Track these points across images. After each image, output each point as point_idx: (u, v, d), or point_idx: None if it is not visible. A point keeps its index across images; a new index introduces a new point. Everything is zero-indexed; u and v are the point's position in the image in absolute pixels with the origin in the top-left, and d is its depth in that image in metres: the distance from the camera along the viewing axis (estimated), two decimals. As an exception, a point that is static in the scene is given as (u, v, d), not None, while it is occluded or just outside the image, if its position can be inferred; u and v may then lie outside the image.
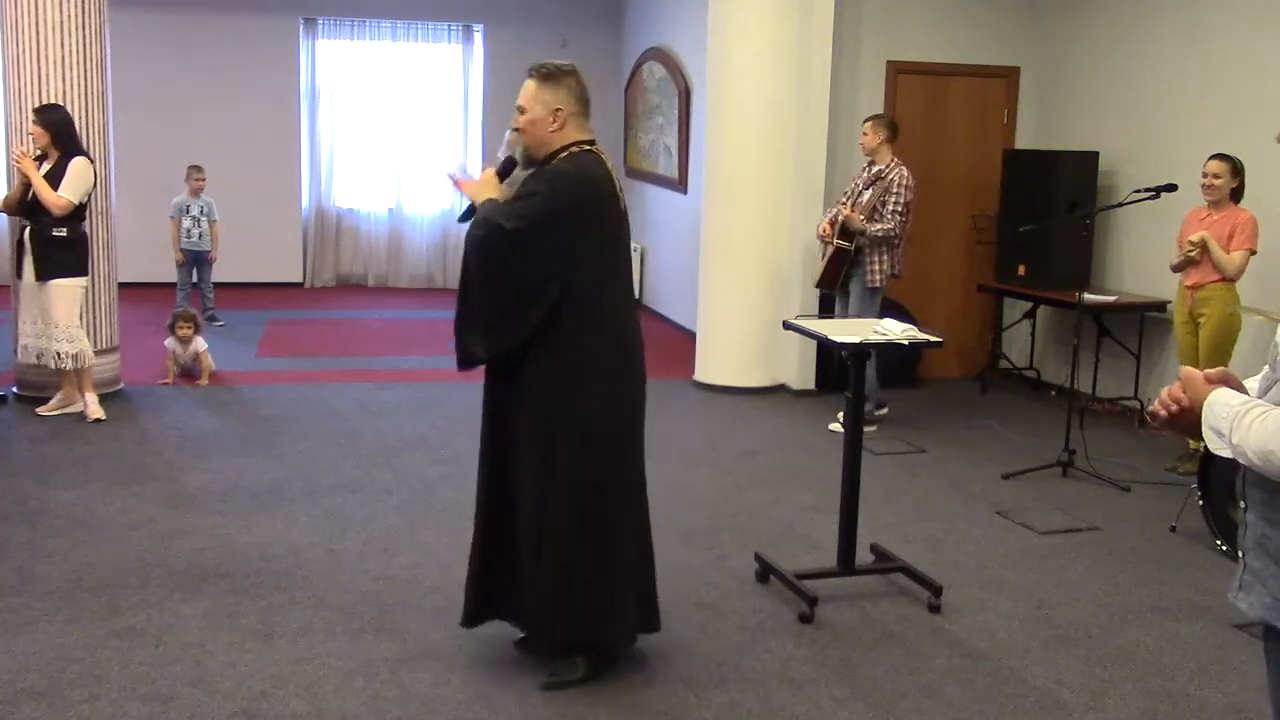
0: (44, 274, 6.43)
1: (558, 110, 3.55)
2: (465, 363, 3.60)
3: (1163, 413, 2.06)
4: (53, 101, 6.65)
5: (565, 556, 3.53)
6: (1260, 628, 2.08)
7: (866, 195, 6.89)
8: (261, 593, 4.31)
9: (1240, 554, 2.07)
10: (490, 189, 3.62)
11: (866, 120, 7.06)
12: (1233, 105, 6.82)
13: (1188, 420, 2.02)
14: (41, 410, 6.66)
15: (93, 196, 6.90)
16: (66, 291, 6.49)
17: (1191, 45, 7.17)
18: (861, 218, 6.76)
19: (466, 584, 3.77)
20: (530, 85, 3.56)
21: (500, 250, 3.47)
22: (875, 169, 6.96)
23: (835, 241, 6.86)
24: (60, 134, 6.44)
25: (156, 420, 6.75)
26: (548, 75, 3.56)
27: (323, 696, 3.55)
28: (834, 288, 7.03)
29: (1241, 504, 2.06)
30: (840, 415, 7.02)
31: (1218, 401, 1.97)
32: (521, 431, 3.56)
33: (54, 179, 6.38)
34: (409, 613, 4.18)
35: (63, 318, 6.46)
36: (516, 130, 3.60)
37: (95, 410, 6.62)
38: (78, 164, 6.43)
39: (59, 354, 6.47)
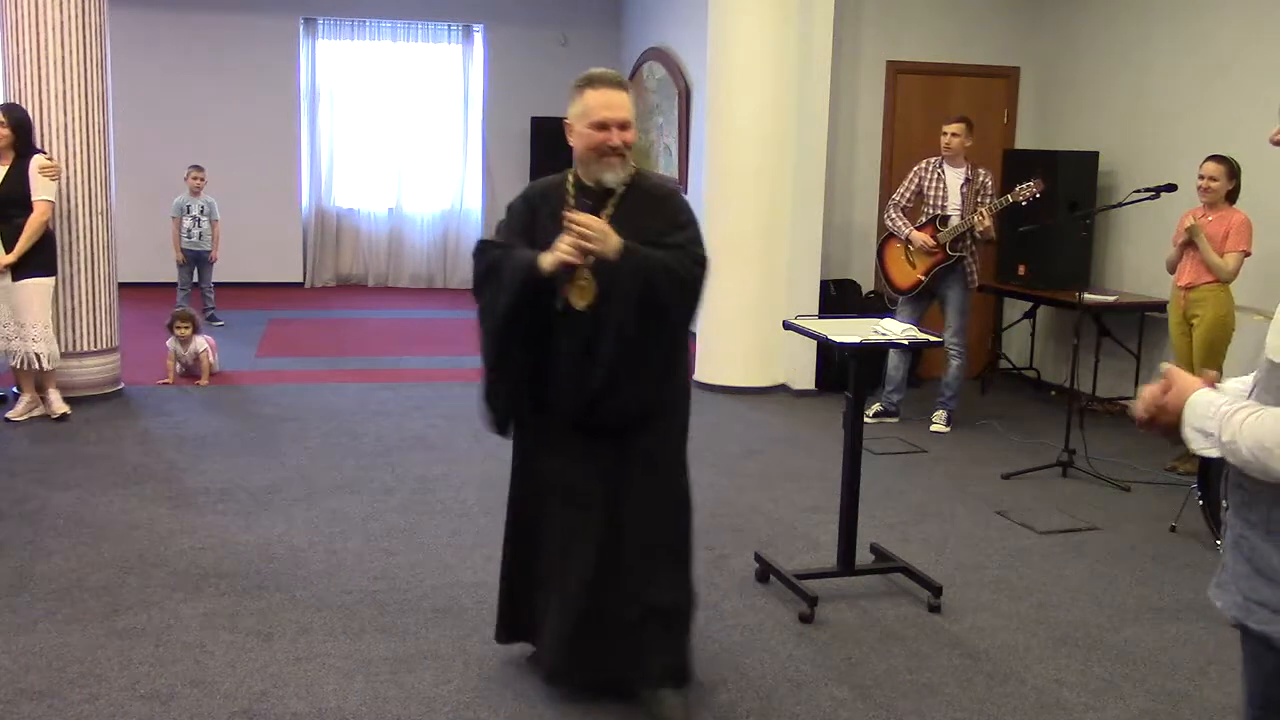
0: (19, 273, 6.42)
1: None
2: (640, 416, 3.31)
3: (1145, 415, 2.05)
4: (13, 102, 6.68)
5: (688, 570, 3.51)
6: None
7: (956, 198, 6.88)
8: (261, 593, 4.31)
9: (1221, 551, 2.10)
10: (615, 235, 3.16)
11: (957, 121, 6.92)
12: (1232, 105, 6.82)
13: (1167, 422, 2.02)
14: (10, 415, 6.59)
15: (93, 196, 6.92)
16: (41, 291, 6.48)
17: (1191, 45, 7.17)
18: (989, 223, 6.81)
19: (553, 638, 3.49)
20: (629, 99, 3.27)
21: (700, 291, 3.28)
22: (957, 171, 6.93)
23: (950, 251, 6.86)
24: (22, 134, 6.44)
25: (156, 420, 6.75)
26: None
27: (323, 696, 3.55)
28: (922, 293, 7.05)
29: (1224, 503, 2.07)
30: (875, 406, 7.07)
31: (1201, 401, 1.97)
32: (645, 461, 3.36)
33: (16, 180, 6.36)
34: (409, 613, 4.18)
35: (38, 318, 6.45)
36: (619, 151, 3.24)
37: (60, 405, 6.61)
38: (40, 160, 6.44)
39: (36, 355, 6.45)
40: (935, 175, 6.96)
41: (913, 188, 7.02)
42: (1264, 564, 1.97)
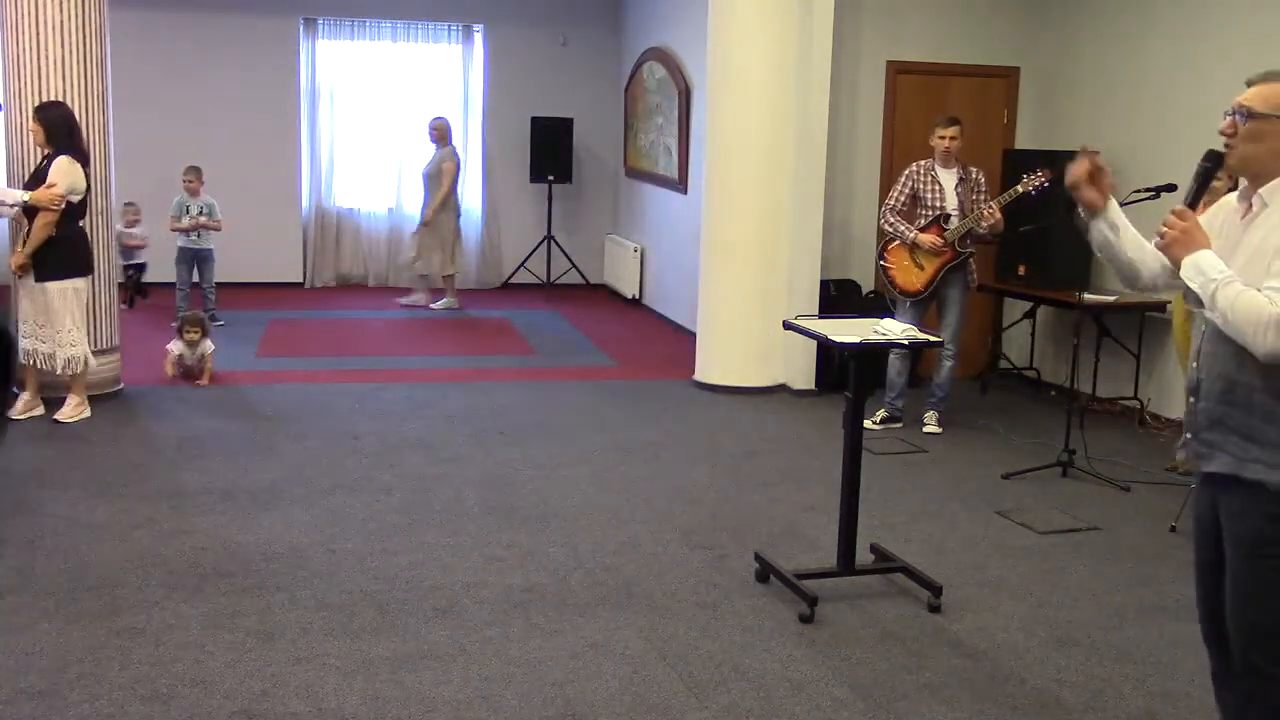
0: (39, 274, 6.43)
1: None
2: None
3: (1172, 232, 2.69)
4: (56, 100, 6.64)
5: None
6: None
7: (953, 198, 6.86)
8: (261, 593, 4.31)
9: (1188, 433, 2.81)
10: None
11: (954, 124, 6.88)
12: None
13: (1177, 240, 2.69)
14: (10, 414, 6.55)
15: (93, 196, 6.91)
16: (62, 294, 6.46)
17: (1191, 44, 7.17)
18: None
19: None
20: None
21: None
22: (950, 171, 6.90)
23: (959, 248, 6.83)
24: (55, 132, 6.40)
25: (157, 420, 6.75)
26: None
27: (323, 696, 3.55)
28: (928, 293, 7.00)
29: (1190, 399, 2.77)
30: (880, 413, 7.02)
31: (1213, 256, 2.60)
32: None
33: (39, 178, 6.36)
34: (409, 613, 4.18)
35: (60, 320, 6.45)
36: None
37: (70, 412, 6.56)
38: (60, 163, 6.37)
39: (56, 357, 6.46)
40: (929, 178, 6.91)
41: (907, 191, 6.95)
42: (1254, 432, 2.57)
